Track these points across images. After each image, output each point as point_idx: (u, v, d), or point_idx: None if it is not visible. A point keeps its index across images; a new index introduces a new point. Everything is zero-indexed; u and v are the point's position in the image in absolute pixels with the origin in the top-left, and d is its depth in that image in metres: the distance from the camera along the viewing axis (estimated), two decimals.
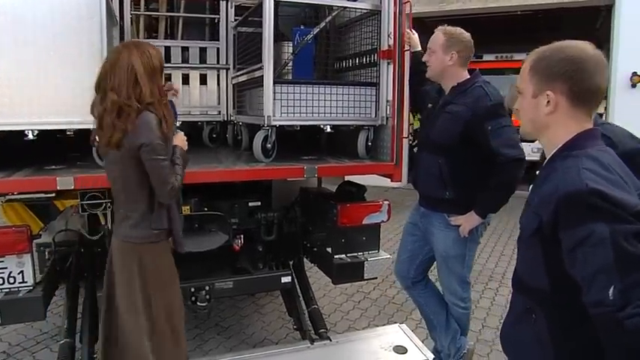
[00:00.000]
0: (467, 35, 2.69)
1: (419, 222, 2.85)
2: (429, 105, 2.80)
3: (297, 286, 3.69)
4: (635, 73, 9.03)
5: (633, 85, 9.06)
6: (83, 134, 2.68)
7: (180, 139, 2.37)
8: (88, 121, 2.39)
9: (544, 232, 1.34)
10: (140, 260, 2.26)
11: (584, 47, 1.42)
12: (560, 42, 1.46)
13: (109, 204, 2.88)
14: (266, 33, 3.05)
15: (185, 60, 4.23)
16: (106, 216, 2.92)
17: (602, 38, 11.22)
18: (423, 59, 2.72)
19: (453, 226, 2.66)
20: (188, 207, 2.91)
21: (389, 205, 3.40)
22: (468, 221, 2.63)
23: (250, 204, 3.25)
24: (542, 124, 1.47)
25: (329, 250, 3.44)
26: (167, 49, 4.13)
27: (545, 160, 1.49)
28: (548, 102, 1.42)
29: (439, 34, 2.68)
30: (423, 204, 2.81)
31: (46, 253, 3.41)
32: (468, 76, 2.68)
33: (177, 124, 2.64)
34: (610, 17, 10.01)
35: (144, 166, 2.16)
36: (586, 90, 1.39)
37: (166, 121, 2.21)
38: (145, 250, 2.27)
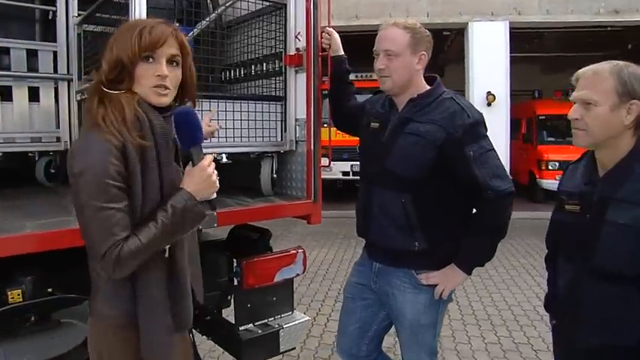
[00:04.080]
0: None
1: (371, 282, 2.11)
2: (373, 124, 2.10)
3: None
4: (489, 92, 9.49)
5: (489, 104, 9.51)
6: None
7: (196, 176, 1.40)
8: None
9: None
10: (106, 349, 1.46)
11: None
12: None
13: None
14: None
15: (5, 67, 3.05)
16: None
17: (450, 59, 11.88)
18: (378, 66, 2.01)
19: (423, 286, 1.98)
20: (19, 292, 1.83)
21: (304, 253, 2.67)
22: (447, 279, 1.97)
23: None
24: (616, 134, 1.51)
25: (228, 318, 2.61)
26: None
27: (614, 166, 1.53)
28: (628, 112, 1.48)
29: (400, 32, 1.97)
30: (380, 258, 2.08)
31: None
32: (427, 86, 2.04)
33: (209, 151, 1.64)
34: (460, 39, 10.52)
35: None
36: None
37: (140, 134, 1.34)
38: (111, 337, 1.45)
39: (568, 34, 11.41)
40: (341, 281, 5.54)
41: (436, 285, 1.98)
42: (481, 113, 1.97)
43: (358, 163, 8.90)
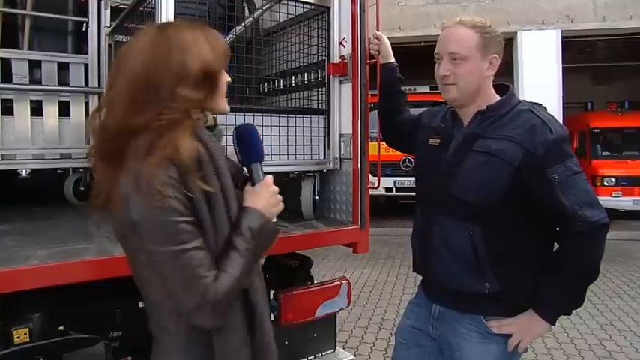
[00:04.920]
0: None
1: (430, 327, 1.80)
2: (432, 141, 1.80)
3: None
4: (540, 104, 9.01)
5: None
6: None
7: (263, 193, 1.27)
8: None
9: None
10: None
11: None
12: None
13: None
14: None
15: (36, 80, 2.93)
16: None
17: (497, 70, 11.40)
18: (442, 73, 1.71)
19: (494, 335, 1.66)
20: (25, 331, 1.62)
21: (349, 284, 2.40)
22: (524, 329, 1.63)
23: (141, 304, 2.00)
24: None
25: None
26: (5, 63, 2.81)
27: None
28: None
29: (467, 31, 1.66)
30: (441, 300, 1.76)
31: None
32: (498, 96, 1.74)
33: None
34: (508, 50, 10.06)
35: None
36: None
37: (202, 174, 1.16)
38: None
39: (622, 42, 10.79)
40: (385, 305, 5.22)
41: (509, 334, 1.65)
42: (565, 128, 1.65)
43: (402, 179, 8.54)
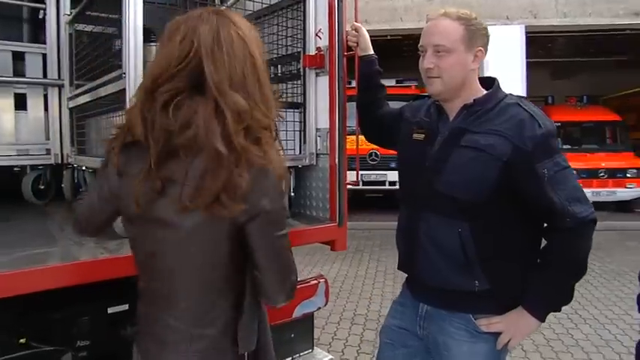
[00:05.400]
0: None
1: (417, 327, 1.74)
2: (416, 135, 1.74)
3: None
4: None
5: None
6: None
7: None
8: None
9: None
10: None
11: None
12: None
13: None
14: (128, 24, 1.84)
15: None
16: None
17: None
18: (426, 65, 1.66)
19: (482, 334, 1.62)
20: None
21: (326, 282, 2.35)
22: (514, 326, 1.60)
23: (110, 310, 1.88)
24: None
25: None
26: None
27: None
28: None
29: (452, 23, 1.62)
30: (429, 299, 1.70)
31: None
32: (483, 89, 1.69)
33: None
34: None
35: (239, 246, 1.18)
36: None
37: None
38: None
39: (581, 38, 11.08)
40: (356, 300, 5.19)
41: (497, 332, 1.62)
42: (552, 122, 1.62)
43: (368, 172, 8.48)
